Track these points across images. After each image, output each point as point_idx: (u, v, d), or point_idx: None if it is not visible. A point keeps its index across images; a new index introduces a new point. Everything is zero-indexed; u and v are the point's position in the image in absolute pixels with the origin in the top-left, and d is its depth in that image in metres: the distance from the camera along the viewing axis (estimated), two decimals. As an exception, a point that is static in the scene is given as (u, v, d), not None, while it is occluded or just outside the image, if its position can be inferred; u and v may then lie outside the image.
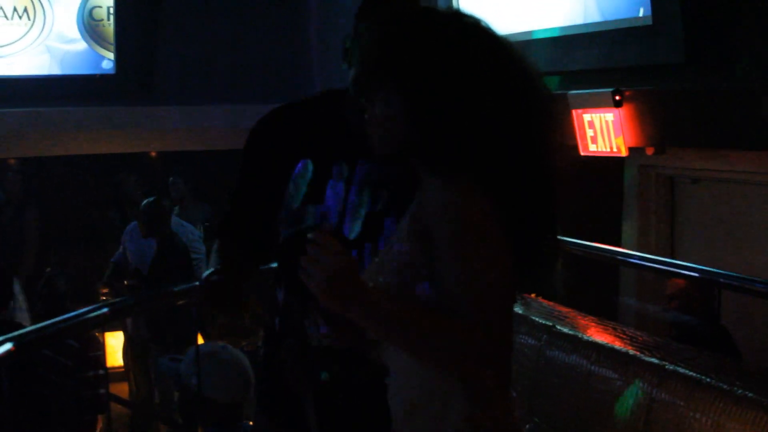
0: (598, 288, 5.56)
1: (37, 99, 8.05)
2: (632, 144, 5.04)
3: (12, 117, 7.94)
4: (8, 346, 2.85)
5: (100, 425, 4.46)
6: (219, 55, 8.36)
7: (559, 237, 1.68)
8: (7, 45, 8.27)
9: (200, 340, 3.98)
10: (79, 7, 8.39)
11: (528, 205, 1.60)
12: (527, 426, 3.33)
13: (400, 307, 1.54)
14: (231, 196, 2.27)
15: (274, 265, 2.28)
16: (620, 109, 5.00)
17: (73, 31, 8.41)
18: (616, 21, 5.04)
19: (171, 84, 8.32)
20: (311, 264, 1.52)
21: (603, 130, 5.11)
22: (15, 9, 8.27)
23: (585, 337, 3.26)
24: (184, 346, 3.90)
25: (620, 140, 5.02)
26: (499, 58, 1.59)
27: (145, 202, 6.21)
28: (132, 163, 9.92)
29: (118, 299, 5.68)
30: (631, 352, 3.04)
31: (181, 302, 4.34)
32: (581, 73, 5.36)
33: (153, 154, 10.52)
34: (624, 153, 5.07)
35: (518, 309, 1.57)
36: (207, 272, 2.16)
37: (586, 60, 5.29)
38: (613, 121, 5.03)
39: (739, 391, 2.62)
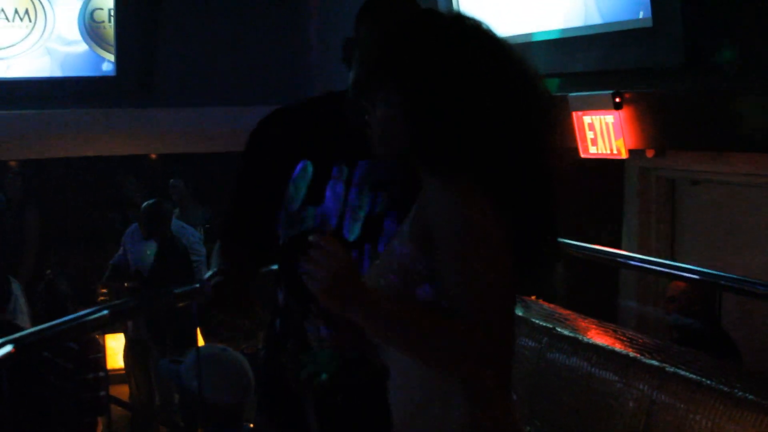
0: (598, 290, 5.56)
1: (37, 101, 8.05)
2: (632, 146, 5.04)
3: (12, 119, 7.95)
4: (8, 348, 2.85)
5: (100, 427, 4.46)
6: (219, 56, 8.36)
7: (559, 239, 1.68)
8: (8, 47, 8.28)
9: (201, 342, 3.98)
10: (81, 9, 8.39)
11: (528, 205, 1.61)
12: (528, 428, 3.33)
13: (400, 308, 1.54)
14: (232, 197, 2.28)
15: (275, 267, 2.28)
16: (620, 112, 5.00)
17: (73, 33, 8.42)
18: (616, 23, 5.04)
19: (171, 86, 8.32)
20: (313, 266, 1.53)
21: (603, 133, 5.11)
22: (16, 11, 8.27)
23: (585, 340, 3.26)
24: (185, 349, 3.90)
25: (620, 142, 5.02)
26: (499, 59, 1.60)
27: (145, 204, 6.21)
28: (132, 165, 9.93)
29: (118, 301, 5.68)
30: (632, 354, 3.04)
31: (181, 304, 4.34)
32: (581, 75, 5.36)
33: (153, 156, 10.52)
34: (624, 155, 5.07)
35: (518, 311, 1.57)
36: (209, 273, 2.16)
37: (586, 62, 5.29)
38: (613, 124, 5.03)
39: (740, 393, 2.62)
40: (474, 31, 1.62)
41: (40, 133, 8.19)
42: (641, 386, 2.90)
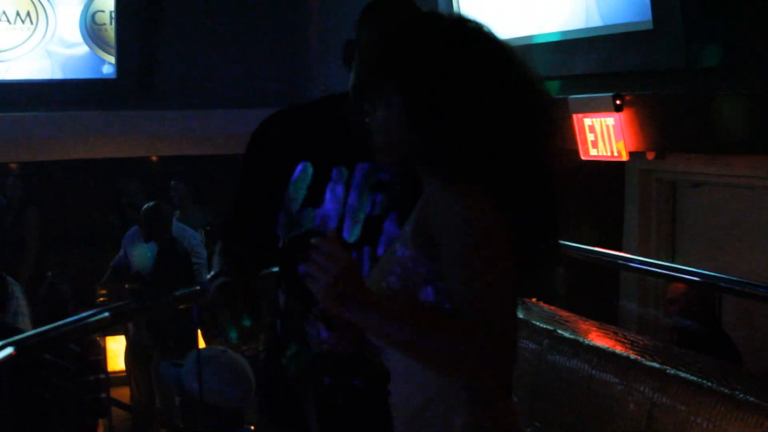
0: (599, 292, 5.56)
1: (38, 103, 8.06)
2: (633, 148, 5.04)
3: (13, 121, 7.95)
4: (9, 350, 2.85)
5: (100, 429, 4.46)
6: (219, 59, 8.37)
7: (560, 240, 1.68)
8: (10, 49, 8.29)
9: (201, 344, 3.98)
10: (82, 12, 8.40)
11: (528, 206, 1.61)
12: (528, 430, 3.33)
13: (400, 308, 1.55)
14: (233, 199, 2.28)
15: (275, 269, 2.28)
16: (621, 114, 5.00)
17: (75, 35, 8.42)
18: (616, 25, 5.04)
19: (172, 88, 8.33)
20: (315, 269, 1.53)
21: (604, 135, 5.11)
22: (18, 13, 8.28)
23: (586, 342, 3.26)
24: (186, 351, 3.90)
25: (621, 145, 5.02)
26: (500, 61, 1.60)
27: (145, 206, 6.21)
28: (133, 167, 9.92)
29: (119, 303, 5.68)
30: (632, 356, 3.04)
31: (182, 306, 4.34)
32: (582, 78, 5.37)
33: (154, 158, 10.51)
34: (625, 157, 5.07)
35: (519, 313, 1.57)
36: (210, 274, 2.16)
37: (586, 64, 5.30)
38: (613, 126, 5.03)
39: (740, 395, 2.62)
40: (475, 33, 1.62)
41: (41, 135, 8.20)
42: (642, 388, 2.90)
